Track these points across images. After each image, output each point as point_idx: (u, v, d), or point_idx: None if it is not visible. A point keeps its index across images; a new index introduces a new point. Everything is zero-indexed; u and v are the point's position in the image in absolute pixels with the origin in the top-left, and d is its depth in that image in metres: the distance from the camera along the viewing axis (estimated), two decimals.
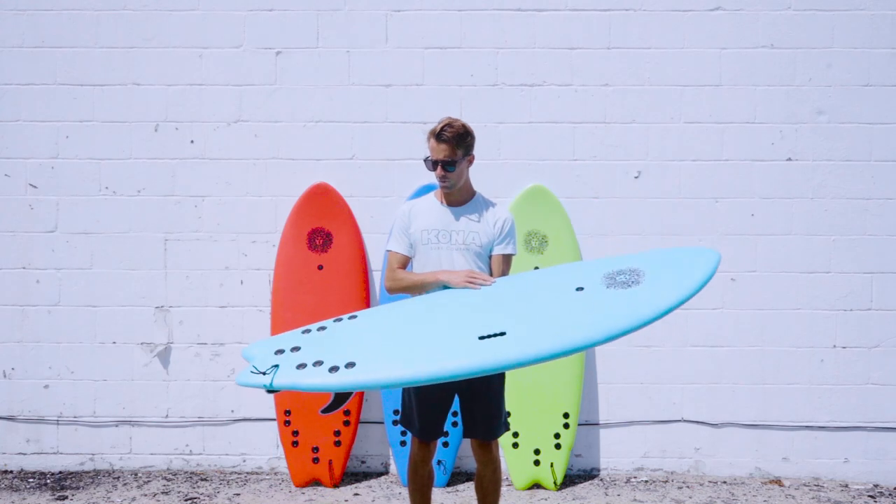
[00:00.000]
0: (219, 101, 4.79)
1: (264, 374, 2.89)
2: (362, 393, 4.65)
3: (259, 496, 4.52)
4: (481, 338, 2.88)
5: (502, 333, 2.88)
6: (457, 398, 3.46)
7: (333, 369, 2.85)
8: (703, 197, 4.72)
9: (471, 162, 3.41)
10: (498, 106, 4.77)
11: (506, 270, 3.42)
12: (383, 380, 2.85)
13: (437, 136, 3.31)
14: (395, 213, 3.51)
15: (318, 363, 2.89)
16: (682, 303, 2.67)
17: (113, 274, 4.82)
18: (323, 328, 3.15)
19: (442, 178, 3.34)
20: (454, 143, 3.30)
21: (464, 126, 3.35)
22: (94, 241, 4.81)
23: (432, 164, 3.34)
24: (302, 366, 2.90)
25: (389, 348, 2.99)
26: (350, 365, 2.86)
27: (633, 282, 2.92)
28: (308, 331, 3.14)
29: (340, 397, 3.03)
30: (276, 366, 2.91)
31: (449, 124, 3.33)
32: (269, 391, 2.87)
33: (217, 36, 4.78)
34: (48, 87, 4.79)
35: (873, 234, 4.74)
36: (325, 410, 3.04)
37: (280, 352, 3.01)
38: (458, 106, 4.75)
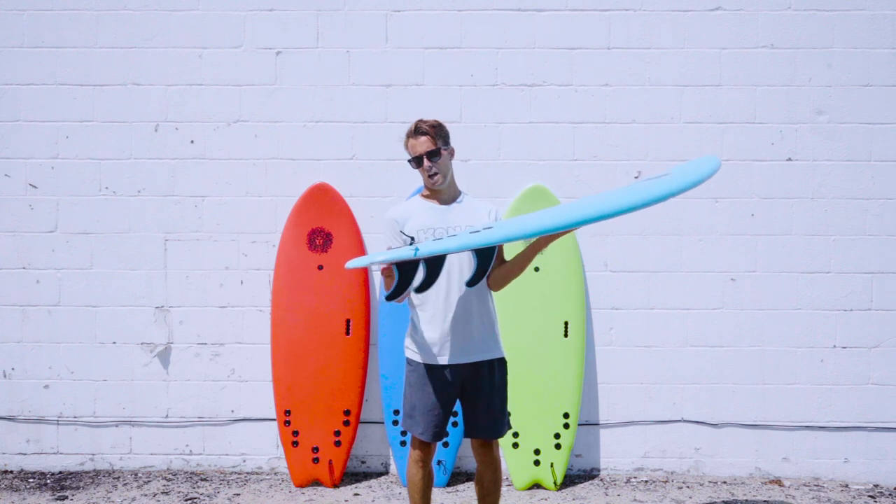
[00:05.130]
0: (219, 101, 4.79)
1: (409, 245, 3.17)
2: (363, 392, 4.66)
3: (259, 496, 4.52)
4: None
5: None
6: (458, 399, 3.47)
7: (474, 232, 3.19)
8: (703, 197, 4.72)
9: (452, 154, 3.47)
10: (498, 106, 4.77)
11: (503, 256, 3.48)
12: (531, 228, 3.16)
13: (415, 131, 3.41)
14: (382, 220, 3.50)
15: (453, 234, 3.31)
16: (698, 182, 3.26)
17: (113, 274, 4.82)
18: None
19: (430, 171, 3.39)
20: (432, 133, 3.39)
21: (436, 119, 3.48)
22: (94, 241, 4.81)
23: (417, 161, 3.40)
24: (438, 239, 3.28)
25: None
26: (487, 227, 3.21)
27: (664, 176, 3.42)
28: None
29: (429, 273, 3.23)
30: (416, 247, 3.11)
31: (421, 119, 3.46)
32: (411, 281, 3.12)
33: (217, 36, 4.78)
34: (48, 87, 4.79)
35: (873, 234, 4.74)
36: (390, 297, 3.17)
37: (411, 242, 3.35)
38: (458, 106, 4.75)
